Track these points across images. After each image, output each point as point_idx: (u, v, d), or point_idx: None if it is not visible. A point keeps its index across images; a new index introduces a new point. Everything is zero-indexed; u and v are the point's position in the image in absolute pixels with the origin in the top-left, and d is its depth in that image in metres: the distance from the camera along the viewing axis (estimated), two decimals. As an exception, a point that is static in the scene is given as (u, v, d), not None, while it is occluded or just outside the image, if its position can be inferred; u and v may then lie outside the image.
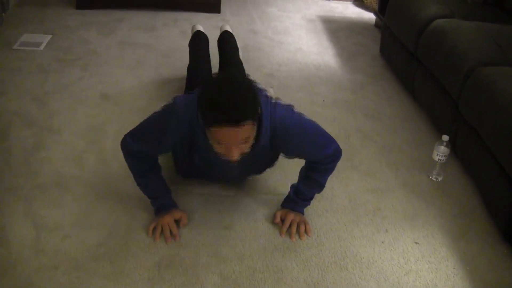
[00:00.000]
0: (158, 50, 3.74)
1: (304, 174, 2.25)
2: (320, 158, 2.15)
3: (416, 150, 2.83)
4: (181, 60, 3.51)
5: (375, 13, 4.61)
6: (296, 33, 4.30)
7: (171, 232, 2.14)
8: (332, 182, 2.52)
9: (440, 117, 2.89)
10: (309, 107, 3.13)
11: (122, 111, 2.97)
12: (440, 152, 2.55)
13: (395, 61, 3.60)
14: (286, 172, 2.49)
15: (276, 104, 1.98)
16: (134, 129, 2.12)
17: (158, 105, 2.95)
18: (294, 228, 2.20)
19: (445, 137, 2.55)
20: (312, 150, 2.11)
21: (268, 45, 4.03)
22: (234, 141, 1.77)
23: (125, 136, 2.12)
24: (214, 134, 1.77)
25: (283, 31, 4.33)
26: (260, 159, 2.18)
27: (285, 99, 2.25)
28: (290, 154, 2.16)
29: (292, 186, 2.30)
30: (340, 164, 2.63)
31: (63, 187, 2.36)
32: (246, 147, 1.84)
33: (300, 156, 2.18)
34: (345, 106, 3.22)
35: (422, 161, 2.73)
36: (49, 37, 3.82)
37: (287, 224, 2.21)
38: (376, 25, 4.52)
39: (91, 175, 2.45)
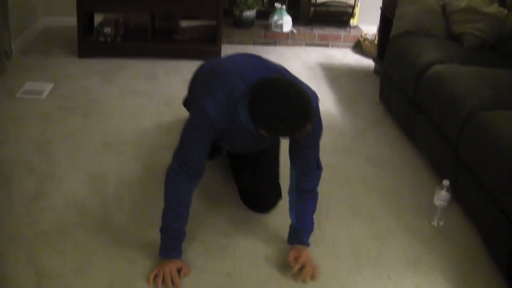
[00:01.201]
0: (159, 99, 3.77)
1: (297, 190, 2.30)
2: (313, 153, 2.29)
3: (417, 195, 2.83)
4: (183, 108, 3.53)
5: (374, 60, 4.66)
6: (296, 80, 4.33)
7: (172, 281, 2.12)
8: (334, 228, 2.52)
9: (440, 162, 2.90)
10: (309, 153, 3.14)
11: (124, 159, 2.98)
12: (441, 197, 2.55)
13: (394, 107, 3.62)
14: (286, 217, 2.47)
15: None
16: (175, 153, 2.16)
17: (160, 154, 3.00)
18: (308, 271, 2.18)
19: (446, 182, 2.55)
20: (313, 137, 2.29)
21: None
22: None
23: (171, 164, 2.17)
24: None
25: (283, 78, 4.35)
26: None
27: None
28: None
29: (293, 215, 2.31)
30: (341, 210, 2.65)
31: (65, 235, 2.36)
32: None
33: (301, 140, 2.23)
34: (346, 152, 3.23)
35: (424, 206, 2.73)
36: (51, 85, 3.86)
37: (301, 262, 2.20)
38: (375, 71, 4.56)
39: (92, 223, 2.45)
